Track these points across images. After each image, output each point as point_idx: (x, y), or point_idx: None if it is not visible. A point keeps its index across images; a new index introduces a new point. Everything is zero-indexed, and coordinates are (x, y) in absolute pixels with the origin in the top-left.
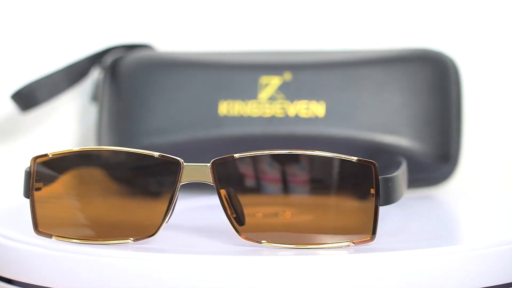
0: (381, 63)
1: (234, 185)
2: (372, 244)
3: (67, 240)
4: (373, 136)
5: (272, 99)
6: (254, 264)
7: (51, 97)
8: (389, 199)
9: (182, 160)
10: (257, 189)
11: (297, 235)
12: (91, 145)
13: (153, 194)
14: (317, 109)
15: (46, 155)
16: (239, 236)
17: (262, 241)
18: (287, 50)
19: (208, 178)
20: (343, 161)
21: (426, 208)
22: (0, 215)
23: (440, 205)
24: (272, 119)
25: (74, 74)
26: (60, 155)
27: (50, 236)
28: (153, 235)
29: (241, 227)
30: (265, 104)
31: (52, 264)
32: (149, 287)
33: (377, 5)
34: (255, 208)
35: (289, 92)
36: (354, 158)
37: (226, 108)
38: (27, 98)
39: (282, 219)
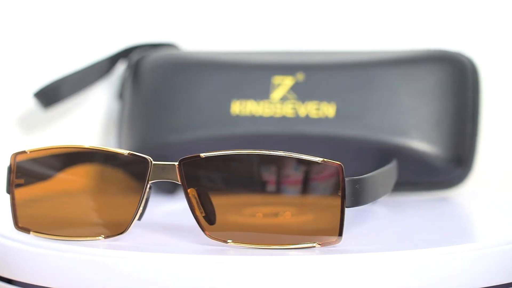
0: (393, 64)
1: (201, 184)
2: (339, 245)
3: (43, 236)
4: (383, 138)
5: (284, 99)
6: (214, 264)
7: (74, 94)
8: (357, 201)
9: (151, 159)
10: (224, 189)
11: (263, 235)
12: (112, 143)
13: (124, 192)
14: (328, 109)
15: (24, 151)
16: (205, 236)
17: (228, 241)
18: (301, 50)
19: (176, 177)
20: (309, 162)
21: (426, 209)
22: (0, 215)
23: (439, 206)
24: (283, 119)
25: (98, 72)
26: (37, 152)
27: (28, 231)
28: (122, 233)
29: (208, 226)
30: (277, 104)
31: (52, 264)
32: (112, 284)
33: (398, 5)
34: (222, 208)
35: (301, 92)
36: (320, 159)
37: (238, 107)
38: (50, 95)
39: (249, 219)
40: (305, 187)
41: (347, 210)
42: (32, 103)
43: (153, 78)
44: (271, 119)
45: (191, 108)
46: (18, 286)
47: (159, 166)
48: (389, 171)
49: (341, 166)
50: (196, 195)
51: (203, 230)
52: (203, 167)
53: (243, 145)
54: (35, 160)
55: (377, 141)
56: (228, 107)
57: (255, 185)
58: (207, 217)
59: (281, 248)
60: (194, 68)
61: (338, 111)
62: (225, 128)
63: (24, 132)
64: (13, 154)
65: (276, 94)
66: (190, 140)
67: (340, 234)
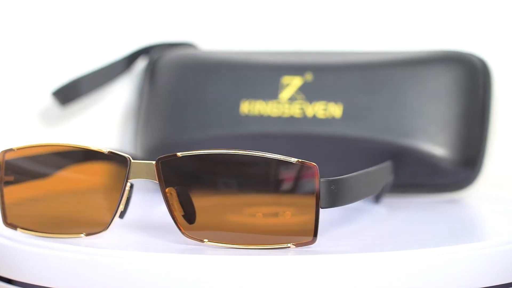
0: (401, 65)
1: (178, 183)
2: (314, 246)
3: (29, 233)
4: (389, 139)
5: (292, 99)
6: (186, 263)
7: (91, 92)
8: (333, 202)
9: (130, 157)
10: (201, 189)
11: (239, 235)
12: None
13: (105, 190)
14: (335, 110)
15: (12, 149)
16: (182, 235)
17: (205, 240)
18: (310, 50)
19: (154, 176)
20: (284, 162)
21: (423, 210)
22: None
23: (438, 207)
24: (291, 119)
25: (116, 70)
26: (23, 150)
27: (15, 228)
28: (103, 231)
29: (185, 225)
30: (285, 104)
31: (52, 264)
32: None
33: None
34: (199, 207)
35: (309, 92)
36: (294, 160)
37: (247, 107)
38: (68, 93)
39: (225, 218)
40: (281, 187)
41: (335, 210)
42: (51, 100)
43: (167, 77)
44: (279, 119)
45: (202, 108)
46: (18, 286)
47: (138, 164)
48: (375, 172)
49: (316, 167)
50: (173, 194)
51: (180, 229)
52: (180, 166)
53: (251, 144)
54: (23, 158)
55: (383, 141)
56: (238, 106)
57: (231, 185)
58: (184, 216)
59: (256, 248)
60: (206, 68)
61: (344, 111)
62: (233, 128)
63: (44, 127)
64: (2, 151)
65: (285, 94)
66: (201, 138)
67: (315, 235)
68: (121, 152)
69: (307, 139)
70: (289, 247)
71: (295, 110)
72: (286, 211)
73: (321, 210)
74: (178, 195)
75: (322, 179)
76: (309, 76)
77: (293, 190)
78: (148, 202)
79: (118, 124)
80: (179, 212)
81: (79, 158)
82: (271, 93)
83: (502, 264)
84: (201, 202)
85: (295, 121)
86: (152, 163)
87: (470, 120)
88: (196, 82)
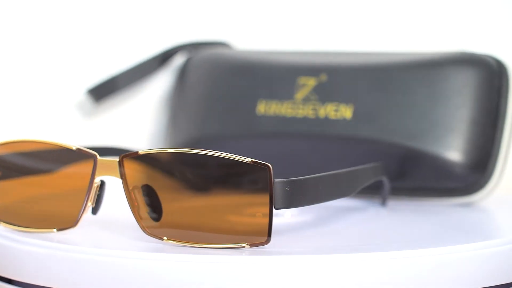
0: (413, 67)
1: (139, 181)
2: (269, 247)
3: (7, 226)
4: (397, 141)
5: (306, 99)
6: (140, 261)
7: (126, 89)
8: (288, 203)
9: (97, 154)
10: (161, 187)
11: (196, 233)
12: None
13: (76, 186)
14: (346, 111)
15: None
16: (143, 232)
17: (164, 238)
18: (328, 50)
19: (117, 173)
20: (239, 162)
21: (418, 212)
22: None
23: (434, 209)
24: (304, 119)
25: (150, 68)
26: (3, 145)
27: None
28: (72, 227)
29: (146, 222)
30: (299, 104)
31: (52, 264)
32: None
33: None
34: (158, 205)
35: (322, 93)
36: (248, 160)
37: (264, 107)
38: (103, 90)
39: (183, 217)
40: (235, 187)
41: (319, 211)
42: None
43: (194, 76)
44: (292, 119)
45: (222, 106)
46: (18, 286)
47: (105, 162)
48: (345, 174)
49: (270, 167)
50: (135, 192)
51: (141, 226)
52: (141, 164)
53: (266, 144)
54: (4, 153)
55: (391, 143)
56: (255, 106)
57: (189, 184)
58: (144, 214)
59: (212, 247)
60: (228, 68)
61: (355, 112)
62: (250, 127)
63: (77, 122)
64: None
65: (300, 95)
66: (219, 137)
67: (269, 235)
68: (88, 149)
69: (319, 140)
70: (244, 247)
71: (308, 110)
72: (242, 211)
73: (305, 210)
74: (140, 193)
75: (276, 180)
76: (323, 77)
77: (248, 190)
78: None
79: (151, 120)
80: (140, 209)
81: (53, 155)
82: (287, 94)
83: (502, 264)
84: (161, 200)
85: (308, 122)
86: (116, 160)
87: (481, 123)
88: (218, 81)
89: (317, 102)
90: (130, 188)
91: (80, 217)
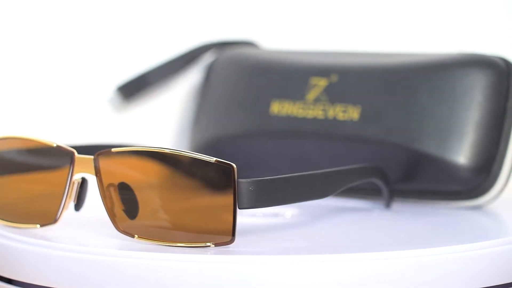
0: (420, 69)
1: (112, 178)
2: (234, 246)
3: None
4: (401, 142)
5: (316, 100)
6: (109, 258)
7: (153, 87)
8: (252, 203)
9: (75, 151)
10: (133, 184)
11: (165, 231)
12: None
13: (57, 183)
14: (353, 112)
15: None
16: (116, 229)
17: (135, 236)
18: (342, 50)
19: (93, 170)
20: (203, 161)
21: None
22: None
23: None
24: (314, 120)
25: (178, 66)
26: None
27: None
28: (52, 223)
29: (117, 220)
30: (310, 105)
31: (52, 263)
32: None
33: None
34: (129, 203)
35: (332, 94)
36: (213, 159)
37: (277, 107)
38: (132, 89)
39: (153, 215)
40: (201, 186)
41: (307, 210)
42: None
43: (216, 76)
44: (303, 120)
45: (239, 106)
46: (18, 286)
47: (81, 159)
48: (319, 175)
49: (233, 167)
50: (109, 189)
51: (113, 223)
52: (114, 162)
53: (278, 144)
54: None
55: (394, 145)
56: (269, 106)
57: (158, 182)
58: (118, 211)
59: (179, 246)
60: (246, 68)
61: (362, 114)
62: (264, 127)
63: (104, 120)
64: None
65: (311, 95)
66: (236, 136)
67: (233, 234)
68: (67, 146)
69: (327, 141)
70: (209, 246)
71: (318, 111)
72: (207, 210)
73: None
74: (113, 190)
75: (240, 180)
76: (334, 78)
77: (213, 190)
78: None
79: (178, 118)
80: (113, 207)
81: (36, 152)
82: (299, 94)
83: (502, 264)
84: (131, 197)
85: (317, 122)
86: (91, 158)
87: (488, 126)
88: (236, 81)
89: (327, 103)
90: (104, 185)
91: (60, 214)
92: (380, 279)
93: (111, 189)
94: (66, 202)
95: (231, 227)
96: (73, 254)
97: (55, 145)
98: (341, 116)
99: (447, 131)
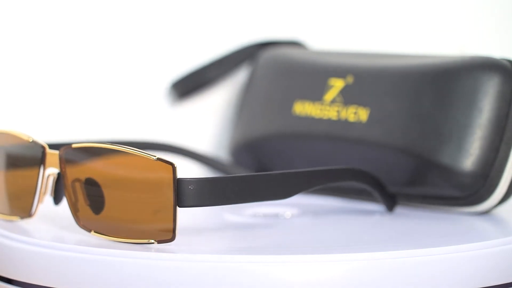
0: (425, 73)
1: (73, 172)
2: (176, 244)
3: None
4: (402, 146)
5: (333, 101)
6: (112, 258)
7: (206, 86)
8: (192, 202)
9: (47, 146)
10: (87, 179)
11: (116, 227)
12: None
13: (34, 178)
14: (362, 114)
15: None
16: (76, 224)
17: (91, 231)
18: (361, 51)
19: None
20: (146, 159)
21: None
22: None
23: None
24: (328, 121)
25: (225, 66)
26: None
27: None
28: (28, 217)
29: (77, 214)
30: (327, 106)
31: (52, 263)
32: None
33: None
34: (87, 198)
35: (346, 95)
36: (155, 157)
37: (299, 108)
38: (184, 87)
39: (104, 211)
40: (145, 183)
41: (306, 209)
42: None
43: (255, 76)
44: (320, 121)
45: (268, 106)
46: (18, 286)
47: (51, 154)
48: (270, 176)
49: (174, 165)
50: (69, 183)
51: (74, 218)
52: (73, 157)
53: (299, 145)
54: None
55: (395, 148)
56: (292, 107)
57: (107, 179)
58: (79, 206)
59: (125, 242)
60: (277, 68)
61: (370, 116)
62: (287, 127)
63: (151, 115)
64: None
65: (328, 96)
66: (264, 137)
67: (174, 232)
68: (39, 141)
69: (338, 142)
70: (153, 243)
71: (333, 112)
72: (151, 208)
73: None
74: (75, 185)
75: (180, 178)
76: (350, 79)
77: (155, 188)
78: None
79: (225, 117)
80: (76, 202)
81: (16, 146)
82: (318, 94)
83: (502, 264)
84: (89, 192)
85: (331, 123)
86: (56, 153)
87: (486, 131)
88: (269, 81)
89: (341, 104)
90: (68, 180)
91: (36, 208)
92: (380, 279)
93: (74, 184)
94: (41, 197)
95: (171, 225)
96: (73, 254)
97: (30, 140)
98: (352, 118)
99: (445, 136)
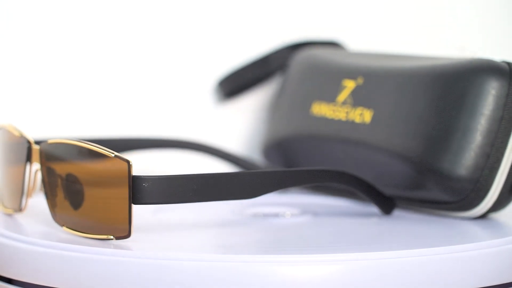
0: (422, 76)
1: (48, 167)
2: (130, 241)
3: None
4: (397, 149)
5: (344, 102)
6: (112, 258)
7: (251, 87)
8: (146, 199)
9: (32, 141)
10: (60, 176)
11: (80, 223)
12: None
13: (21, 171)
14: (366, 116)
15: None
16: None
17: (63, 226)
18: (379, 52)
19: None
20: (105, 156)
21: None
22: (0, 214)
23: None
24: (339, 122)
25: (267, 66)
26: None
27: None
28: (18, 211)
29: (52, 209)
30: (338, 107)
31: (52, 263)
32: None
33: None
34: (55, 193)
35: (356, 97)
36: (113, 154)
37: (316, 108)
38: (230, 86)
39: (70, 206)
40: (103, 180)
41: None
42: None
43: (287, 76)
44: (332, 122)
45: (292, 107)
46: (18, 286)
47: (35, 149)
48: (230, 176)
49: (129, 163)
50: (46, 178)
51: (51, 213)
52: (51, 152)
53: (317, 145)
54: None
55: (390, 151)
56: (311, 107)
57: (72, 174)
58: (53, 201)
59: (88, 237)
60: (303, 69)
61: (373, 118)
62: (305, 128)
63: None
64: None
65: (341, 97)
66: (287, 137)
67: (129, 229)
68: (27, 136)
69: (346, 143)
70: (112, 239)
71: (343, 113)
72: (109, 204)
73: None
74: (52, 180)
75: (135, 176)
76: (360, 80)
77: (113, 184)
78: None
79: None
80: (53, 197)
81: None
82: (333, 95)
83: (502, 264)
84: (61, 188)
85: (340, 124)
86: (37, 148)
87: (476, 135)
88: (297, 81)
89: (350, 105)
90: (45, 175)
91: (25, 203)
92: (380, 279)
93: (49, 178)
94: (30, 191)
95: (127, 221)
96: (73, 254)
97: (18, 134)
98: (358, 119)
99: (435, 139)
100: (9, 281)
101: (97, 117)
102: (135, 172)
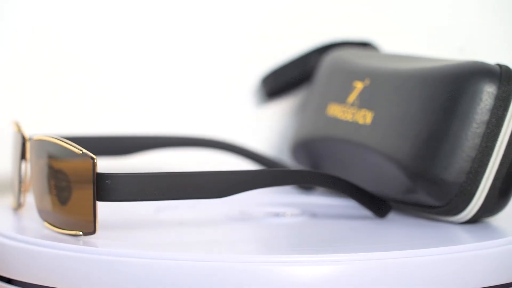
0: (417, 78)
1: (36, 164)
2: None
3: None
4: (388, 151)
5: (352, 104)
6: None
7: (292, 88)
8: (109, 196)
9: (28, 137)
10: (41, 172)
11: (55, 218)
12: None
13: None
14: (368, 117)
15: None
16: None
17: (44, 221)
18: (394, 52)
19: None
20: (73, 152)
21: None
22: (0, 215)
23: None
24: (345, 123)
25: (305, 66)
26: None
27: None
28: (17, 207)
29: (37, 204)
30: (347, 108)
31: (52, 263)
32: None
33: None
34: (37, 189)
35: (362, 98)
36: (79, 151)
37: (331, 110)
38: (273, 85)
39: (48, 201)
40: (72, 176)
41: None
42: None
43: (316, 76)
44: (341, 122)
45: (315, 107)
46: (18, 286)
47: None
48: (194, 176)
49: (94, 159)
50: (32, 174)
51: (37, 209)
52: (33, 149)
53: (330, 145)
54: None
55: (383, 154)
56: (326, 108)
57: (49, 171)
58: (37, 196)
59: (61, 233)
60: (326, 70)
61: (373, 119)
62: (320, 128)
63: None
64: None
65: (350, 98)
66: (306, 139)
67: (94, 225)
68: (23, 132)
69: (349, 144)
70: (80, 234)
71: (350, 114)
72: (78, 200)
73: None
74: (38, 176)
75: (99, 173)
76: (367, 82)
77: (80, 180)
78: None
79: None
80: (39, 193)
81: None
82: (344, 97)
83: (502, 264)
84: (41, 184)
85: (347, 125)
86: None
87: (463, 139)
88: (321, 83)
89: (357, 107)
90: (32, 171)
91: (23, 199)
92: (379, 279)
93: (33, 174)
94: (26, 187)
95: (92, 218)
96: (73, 254)
97: (16, 130)
98: (361, 120)
99: (421, 142)
100: (9, 281)
101: (137, 115)
102: (100, 169)
